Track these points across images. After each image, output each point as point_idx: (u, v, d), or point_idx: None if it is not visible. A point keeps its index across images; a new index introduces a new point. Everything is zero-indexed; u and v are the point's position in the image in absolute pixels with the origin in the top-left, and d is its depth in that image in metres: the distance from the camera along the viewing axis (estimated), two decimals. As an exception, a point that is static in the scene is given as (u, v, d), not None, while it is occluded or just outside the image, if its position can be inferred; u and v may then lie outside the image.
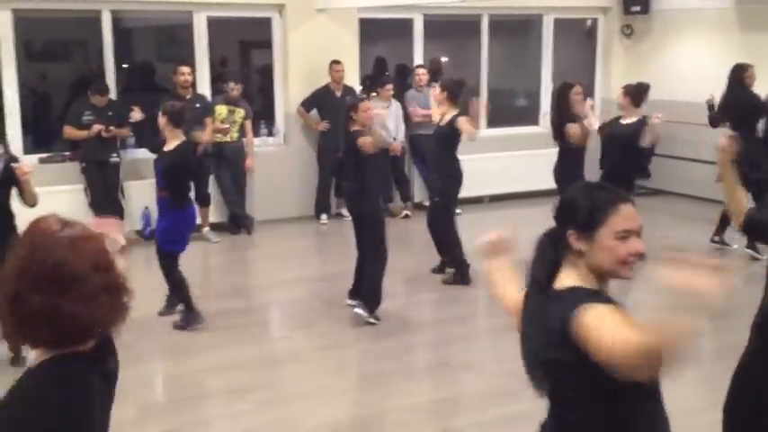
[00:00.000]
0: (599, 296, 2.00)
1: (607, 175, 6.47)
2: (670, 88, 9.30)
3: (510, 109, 10.90)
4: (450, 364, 5.11)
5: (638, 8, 10.12)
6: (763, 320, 2.97)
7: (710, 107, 7.61)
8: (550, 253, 2.09)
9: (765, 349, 2.95)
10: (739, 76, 7.41)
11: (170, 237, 5.60)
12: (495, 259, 2.48)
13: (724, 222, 7.27)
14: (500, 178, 9.59)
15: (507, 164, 9.65)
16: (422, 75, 8.94)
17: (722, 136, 3.36)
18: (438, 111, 6.78)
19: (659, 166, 9.04)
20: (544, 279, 2.08)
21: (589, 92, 10.51)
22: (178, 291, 5.67)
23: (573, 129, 6.47)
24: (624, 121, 6.61)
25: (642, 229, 2.02)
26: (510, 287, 2.40)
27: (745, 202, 3.13)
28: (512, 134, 9.96)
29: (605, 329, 1.84)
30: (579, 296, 1.97)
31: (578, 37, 10.91)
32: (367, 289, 5.70)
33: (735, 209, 3.15)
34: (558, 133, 6.67)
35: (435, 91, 6.90)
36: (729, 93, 7.46)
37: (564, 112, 6.59)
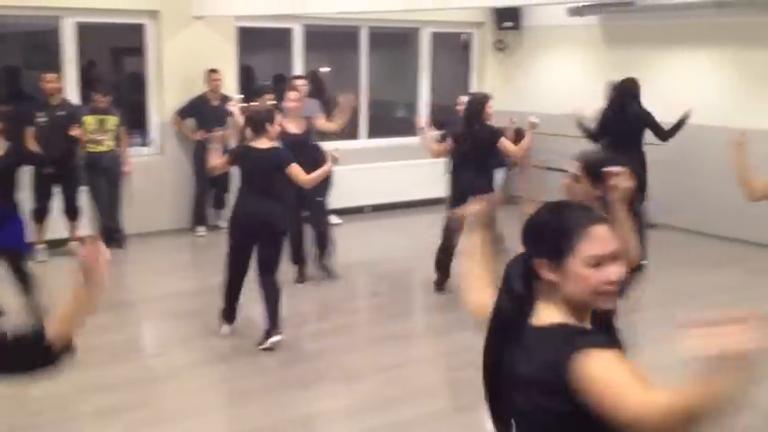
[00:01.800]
0: (593, 336, 1.76)
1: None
2: (540, 100, 9.67)
3: (390, 120, 11.03)
4: (329, 376, 5.07)
5: (510, 24, 10.47)
6: None
7: (580, 123, 7.55)
8: (519, 285, 1.83)
9: None
10: (632, 91, 7.39)
11: None
12: (474, 254, 2.25)
13: None
14: (381, 188, 9.66)
15: (388, 174, 9.74)
16: (301, 86, 8.89)
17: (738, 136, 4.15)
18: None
19: (530, 177, 9.35)
20: (515, 314, 1.83)
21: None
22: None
23: (511, 145, 6.31)
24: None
25: (620, 253, 1.80)
26: (482, 295, 2.13)
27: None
28: (392, 145, 10.07)
29: (619, 386, 1.60)
30: (570, 337, 1.73)
31: (455, 50, 11.16)
32: (276, 310, 5.42)
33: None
34: (486, 146, 6.28)
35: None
36: (615, 107, 7.44)
37: (482, 125, 6.30)
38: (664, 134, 7.11)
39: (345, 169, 6.80)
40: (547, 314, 1.80)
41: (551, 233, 1.79)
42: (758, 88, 7.89)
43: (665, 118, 7.66)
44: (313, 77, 9.18)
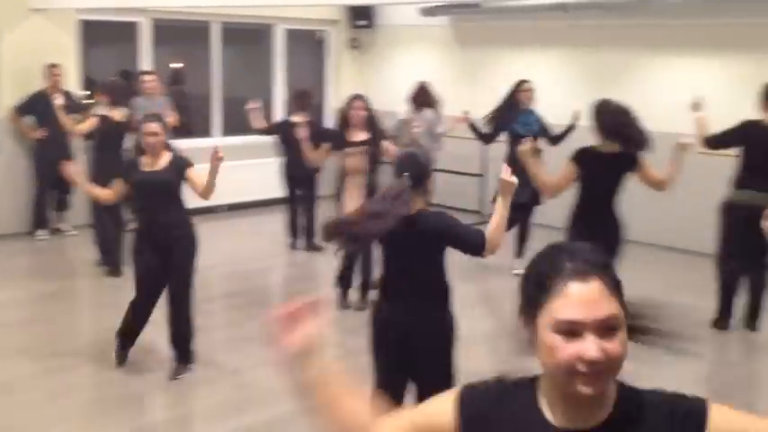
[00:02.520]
0: None
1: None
2: (395, 99, 9.76)
3: (244, 117, 10.78)
4: (183, 381, 4.89)
5: (363, 22, 10.54)
6: None
7: (472, 125, 7.33)
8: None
9: None
10: (513, 92, 7.20)
11: None
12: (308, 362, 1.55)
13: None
14: (236, 187, 9.46)
15: (243, 173, 9.55)
16: (150, 82, 8.57)
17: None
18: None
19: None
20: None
21: (322, 101, 10.78)
22: None
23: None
24: (294, 119, 7.50)
25: (615, 322, 1.29)
26: (352, 404, 1.55)
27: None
28: (247, 142, 9.87)
29: None
30: None
31: (311, 47, 11.11)
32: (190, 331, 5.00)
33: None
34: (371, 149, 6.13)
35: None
36: (504, 108, 7.27)
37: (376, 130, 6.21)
38: (553, 138, 7.19)
39: (197, 168, 6.57)
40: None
41: (529, 281, 1.37)
42: (604, 88, 8.28)
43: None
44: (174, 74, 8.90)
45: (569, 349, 1.27)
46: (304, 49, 11.06)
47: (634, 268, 7.54)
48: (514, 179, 3.57)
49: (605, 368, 1.27)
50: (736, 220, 5.66)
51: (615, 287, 1.31)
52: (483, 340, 5.45)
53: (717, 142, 5.78)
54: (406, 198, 3.34)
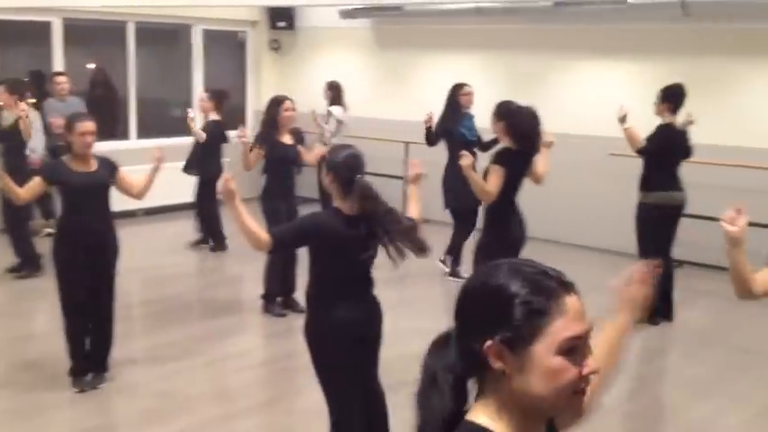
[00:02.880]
0: None
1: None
2: (317, 101, 9.74)
3: (162, 119, 10.62)
4: (103, 390, 4.77)
5: (283, 24, 10.49)
6: None
7: (429, 128, 7.19)
8: (448, 387, 1.27)
9: None
10: (454, 96, 7.20)
11: None
12: None
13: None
14: (154, 191, 9.25)
15: (161, 176, 9.33)
16: (63, 83, 8.33)
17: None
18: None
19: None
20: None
21: (241, 103, 10.68)
22: None
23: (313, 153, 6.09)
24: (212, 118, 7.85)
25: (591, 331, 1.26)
26: None
27: None
28: (165, 145, 9.67)
29: None
30: None
31: (231, 48, 10.99)
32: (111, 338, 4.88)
33: None
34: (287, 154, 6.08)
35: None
36: (448, 111, 7.24)
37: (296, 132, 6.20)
38: (484, 145, 7.23)
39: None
40: (476, 413, 1.26)
41: (524, 307, 1.22)
42: (519, 91, 8.45)
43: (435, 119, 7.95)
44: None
45: (575, 368, 1.21)
46: (224, 51, 10.94)
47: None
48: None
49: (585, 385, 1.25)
50: (655, 220, 5.93)
51: None
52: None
53: (649, 152, 5.95)
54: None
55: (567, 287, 1.24)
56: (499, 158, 4.95)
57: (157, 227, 9.21)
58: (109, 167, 4.77)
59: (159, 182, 9.12)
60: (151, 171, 4.69)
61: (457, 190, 6.60)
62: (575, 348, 1.22)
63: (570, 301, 1.23)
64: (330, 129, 8.57)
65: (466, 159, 4.86)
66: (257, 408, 4.68)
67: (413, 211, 3.69)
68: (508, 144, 4.99)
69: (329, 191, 3.55)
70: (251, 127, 10.75)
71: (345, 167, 3.43)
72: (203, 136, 7.83)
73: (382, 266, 3.52)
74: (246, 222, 3.37)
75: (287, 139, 6.09)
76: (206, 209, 8.09)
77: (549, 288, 1.23)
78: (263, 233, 3.39)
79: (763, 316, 5.84)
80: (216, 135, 7.87)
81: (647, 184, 6.00)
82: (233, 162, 8.90)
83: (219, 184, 3.61)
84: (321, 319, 3.47)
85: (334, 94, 8.69)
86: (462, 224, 7.20)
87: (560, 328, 1.21)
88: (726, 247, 2.70)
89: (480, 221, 5.50)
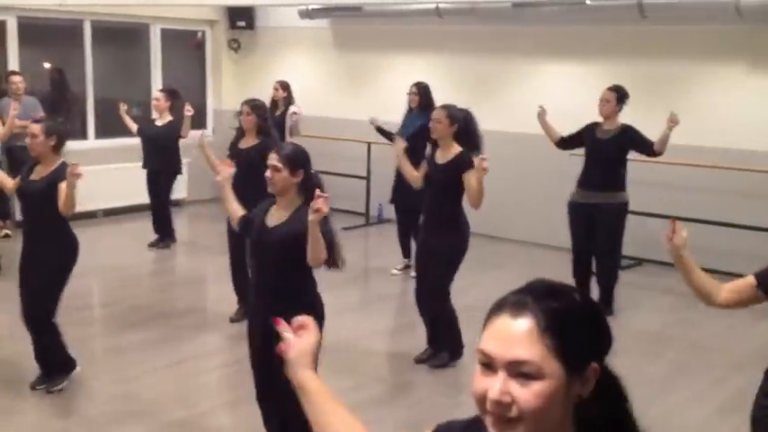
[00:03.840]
0: None
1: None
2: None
3: (121, 119, 10.45)
4: (61, 395, 4.70)
5: (243, 23, 10.43)
6: None
7: (379, 129, 7.43)
8: None
9: None
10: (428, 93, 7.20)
11: None
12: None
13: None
14: (113, 191, 9.19)
15: (120, 176, 9.27)
16: (18, 82, 8.19)
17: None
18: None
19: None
20: None
21: (202, 102, 10.59)
22: None
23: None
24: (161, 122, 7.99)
25: (520, 368, 1.18)
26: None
27: None
28: (123, 145, 9.58)
29: None
30: None
31: (190, 48, 10.89)
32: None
33: None
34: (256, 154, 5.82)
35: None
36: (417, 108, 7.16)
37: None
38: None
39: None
40: None
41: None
42: (477, 93, 8.52)
43: (394, 119, 7.95)
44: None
45: (481, 383, 1.20)
46: (182, 50, 10.84)
47: (495, 263, 7.80)
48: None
49: (515, 416, 1.18)
50: (577, 217, 6.22)
51: (555, 333, 1.19)
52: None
53: (564, 145, 6.46)
54: None
55: (516, 308, 1.21)
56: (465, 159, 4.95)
57: (117, 228, 9.10)
58: (57, 177, 4.45)
59: (119, 183, 9.09)
60: (68, 185, 4.28)
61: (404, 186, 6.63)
62: (490, 365, 1.19)
63: (502, 320, 1.21)
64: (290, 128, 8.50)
65: (399, 144, 5.03)
66: (221, 409, 4.65)
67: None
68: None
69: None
70: (210, 126, 10.70)
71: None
72: (135, 128, 8.10)
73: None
74: (229, 207, 3.90)
75: (251, 141, 5.96)
76: (160, 204, 8.24)
77: (503, 299, 1.25)
78: (238, 213, 3.85)
79: (722, 313, 5.95)
80: (170, 134, 7.91)
81: (578, 181, 6.24)
82: (193, 161, 8.85)
83: (219, 170, 3.95)
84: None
85: (289, 93, 8.56)
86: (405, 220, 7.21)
87: (483, 337, 1.22)
88: (680, 271, 2.74)
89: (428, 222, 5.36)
